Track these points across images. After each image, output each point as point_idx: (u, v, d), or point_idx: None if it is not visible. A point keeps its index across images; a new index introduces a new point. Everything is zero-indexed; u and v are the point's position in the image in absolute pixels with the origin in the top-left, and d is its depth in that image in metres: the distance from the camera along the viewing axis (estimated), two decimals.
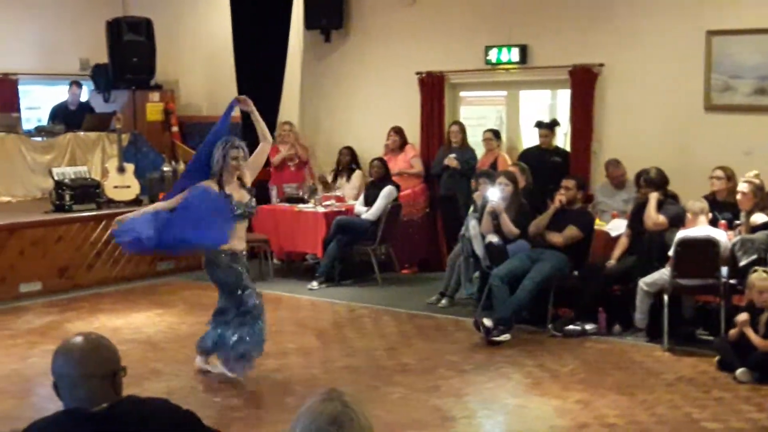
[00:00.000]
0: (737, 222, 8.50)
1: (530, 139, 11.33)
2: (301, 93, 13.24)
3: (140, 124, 13.73)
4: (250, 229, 11.70)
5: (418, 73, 11.95)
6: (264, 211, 11.46)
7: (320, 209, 11.18)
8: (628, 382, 7.23)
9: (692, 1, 10.08)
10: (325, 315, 9.67)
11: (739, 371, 7.21)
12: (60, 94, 14.13)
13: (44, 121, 13.84)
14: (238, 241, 7.22)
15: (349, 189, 11.85)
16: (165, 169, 12.42)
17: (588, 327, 8.60)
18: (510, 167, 10.07)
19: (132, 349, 8.23)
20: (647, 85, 10.38)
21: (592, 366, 7.68)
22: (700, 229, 8.17)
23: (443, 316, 9.51)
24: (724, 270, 8.06)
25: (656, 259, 8.42)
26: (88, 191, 11.49)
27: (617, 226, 9.28)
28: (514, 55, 11.23)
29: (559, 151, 10.87)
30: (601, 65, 10.61)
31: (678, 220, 8.47)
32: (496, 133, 11.14)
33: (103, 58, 13.95)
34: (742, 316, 7.37)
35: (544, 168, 10.27)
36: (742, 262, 7.95)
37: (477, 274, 9.60)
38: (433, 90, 11.91)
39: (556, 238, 8.86)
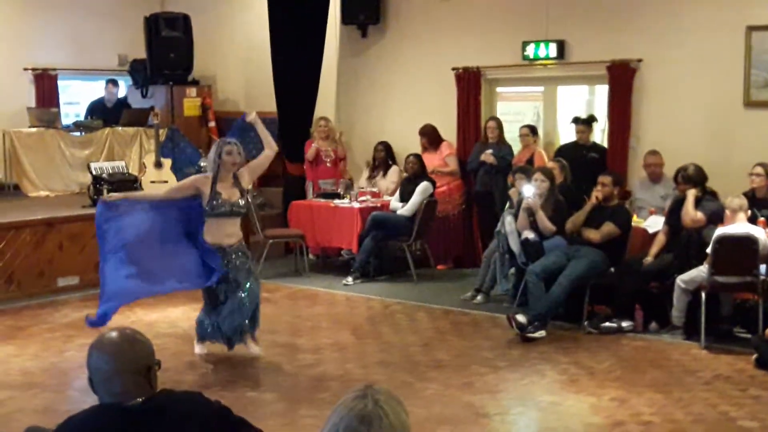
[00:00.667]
0: None
1: (567, 134, 11.26)
2: (337, 88, 13.26)
3: (178, 120, 13.80)
4: (285, 225, 11.82)
5: (454, 69, 11.92)
6: (300, 207, 11.51)
7: (356, 205, 11.20)
8: (665, 380, 7.18)
9: None
10: (360, 311, 9.69)
11: None
12: (98, 89, 14.26)
13: (82, 116, 13.97)
14: (226, 237, 7.49)
15: (386, 184, 11.85)
16: (202, 164, 12.47)
17: (624, 324, 8.55)
18: (550, 164, 10.03)
19: (168, 342, 8.30)
20: (686, 80, 10.29)
21: (628, 363, 7.64)
22: (738, 226, 8.09)
23: (478, 312, 9.49)
24: (763, 267, 8.00)
25: (694, 257, 8.36)
26: (125, 186, 11.54)
27: (655, 223, 9.22)
28: (552, 50, 11.18)
29: (596, 147, 10.81)
30: (639, 61, 10.53)
31: (716, 217, 8.40)
32: (532, 129, 11.10)
33: (141, 53, 14.05)
34: None
35: (581, 164, 10.21)
36: None
37: (512, 270, 9.58)
38: (470, 85, 11.87)
39: (592, 234, 8.81)
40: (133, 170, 12.44)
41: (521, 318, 8.34)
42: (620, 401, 6.69)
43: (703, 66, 10.15)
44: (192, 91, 14.25)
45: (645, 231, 9.23)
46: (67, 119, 13.92)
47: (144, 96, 14.22)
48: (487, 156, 11.05)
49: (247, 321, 7.64)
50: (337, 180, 12.05)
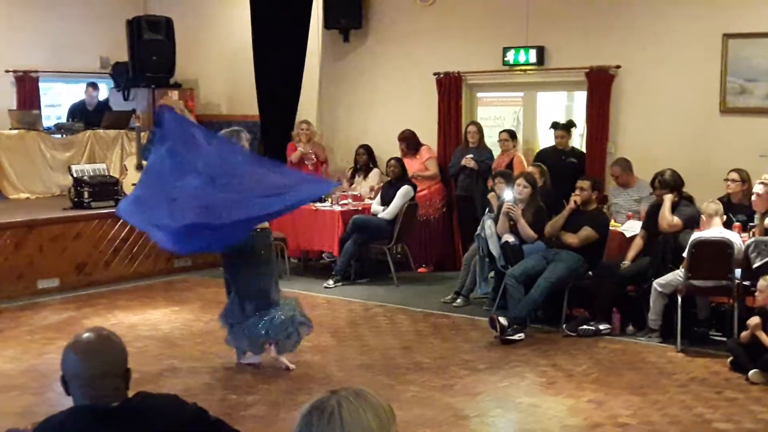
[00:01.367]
0: (751, 224, 8.51)
1: (546, 139, 11.34)
2: (319, 92, 13.30)
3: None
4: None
5: (435, 74, 11.98)
6: None
7: (337, 208, 11.24)
8: (641, 382, 7.26)
9: (709, 4, 10.09)
10: (341, 313, 9.73)
11: (752, 372, 7.22)
12: (80, 92, 14.24)
13: (64, 119, 13.95)
14: None
15: (367, 187, 11.89)
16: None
17: (602, 327, 8.63)
18: (530, 168, 10.10)
19: (148, 345, 8.32)
20: (663, 87, 10.39)
21: (606, 366, 7.71)
22: (714, 230, 8.18)
23: (458, 315, 9.54)
24: (738, 272, 8.08)
25: (670, 261, 8.45)
26: (106, 188, 11.57)
27: (632, 227, 9.30)
28: (532, 56, 11.26)
29: (574, 152, 10.89)
30: (618, 67, 10.63)
31: (692, 222, 8.49)
32: (512, 134, 11.16)
33: (123, 56, 14.05)
34: (754, 320, 7.39)
35: (560, 169, 10.29)
36: (756, 264, 7.95)
37: (492, 273, 9.65)
38: (451, 90, 11.94)
39: (571, 238, 8.89)
40: (114, 173, 12.44)
41: (502, 321, 8.41)
42: (597, 403, 6.76)
43: (680, 73, 10.25)
44: (174, 94, 14.26)
45: (622, 235, 9.30)
46: (48, 121, 13.89)
47: (126, 99, 14.22)
48: (468, 160, 11.12)
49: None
50: None
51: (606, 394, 6.95)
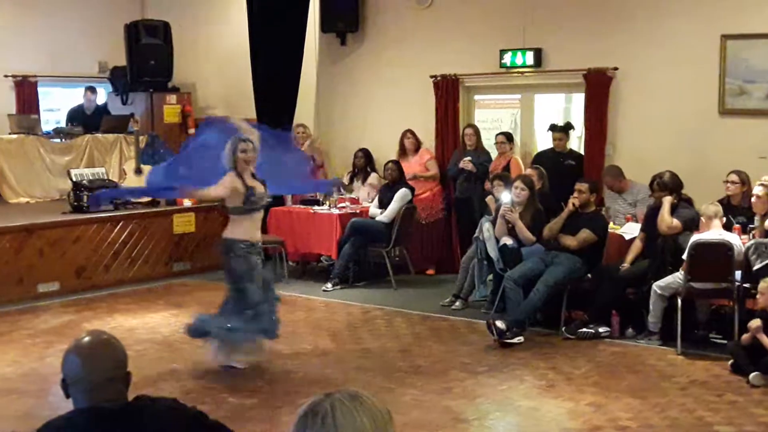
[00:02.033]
0: (751, 226, 8.51)
1: (544, 142, 11.34)
2: (316, 96, 13.30)
3: (158, 126, 13.82)
4: (264, 231, 11.83)
5: (432, 76, 11.99)
6: (279, 213, 11.53)
7: (335, 211, 11.24)
8: (641, 385, 7.25)
9: (707, 5, 10.09)
10: (340, 316, 9.72)
11: (752, 375, 7.21)
12: (78, 96, 14.25)
13: (63, 123, 13.96)
14: (257, 232, 7.68)
15: (365, 191, 11.89)
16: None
17: (601, 330, 8.62)
18: (528, 170, 10.10)
19: (148, 349, 8.32)
20: (661, 88, 10.39)
21: (605, 369, 7.71)
22: (714, 232, 8.18)
23: (457, 318, 9.54)
24: (738, 274, 8.07)
25: (670, 263, 8.43)
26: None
27: (631, 230, 9.30)
28: (529, 58, 11.26)
29: (573, 154, 10.89)
30: (616, 69, 10.63)
31: (692, 224, 8.49)
32: (508, 136, 11.14)
33: (121, 60, 14.05)
34: (755, 323, 7.38)
35: (558, 171, 10.29)
36: (756, 266, 7.95)
37: (491, 276, 9.64)
38: (448, 93, 11.95)
39: (569, 241, 8.89)
40: (113, 177, 12.45)
41: (501, 324, 8.40)
42: (597, 406, 6.76)
43: (679, 74, 10.25)
44: (172, 98, 14.27)
45: (621, 237, 9.30)
46: (47, 126, 13.89)
47: (124, 103, 14.21)
48: (466, 163, 11.12)
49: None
50: None
51: (606, 397, 6.94)
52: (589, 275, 8.91)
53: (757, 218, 8.45)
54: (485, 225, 9.49)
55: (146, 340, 8.64)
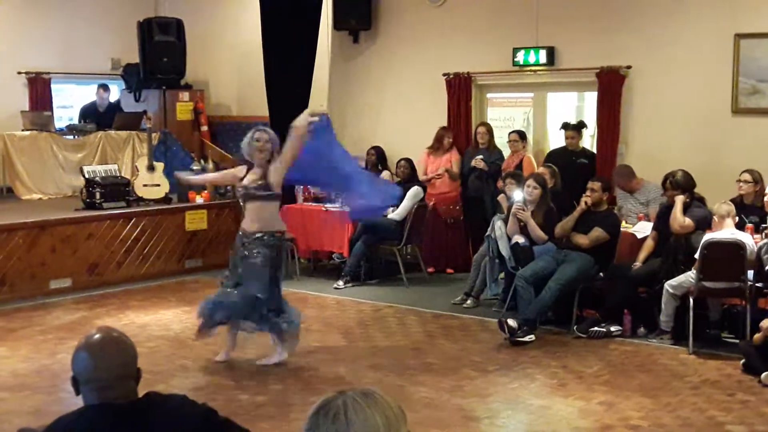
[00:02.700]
0: (764, 225, 8.49)
1: (557, 140, 11.32)
2: (329, 94, 13.30)
3: (170, 124, 13.85)
4: None
5: (445, 74, 11.98)
6: (291, 210, 11.53)
7: (347, 208, 11.21)
8: (653, 384, 7.24)
9: (721, 4, 10.06)
10: (351, 314, 9.73)
11: (765, 375, 7.18)
12: (91, 93, 14.30)
13: (76, 120, 14.00)
14: (249, 222, 7.71)
15: None
16: (194, 168, 12.51)
17: (613, 329, 8.61)
18: (540, 169, 10.09)
19: (160, 345, 8.35)
20: (674, 87, 10.36)
21: (617, 368, 7.70)
22: (726, 232, 8.16)
23: (468, 316, 9.54)
24: (750, 273, 8.04)
25: (682, 262, 8.41)
26: (118, 189, 11.60)
27: (643, 228, 9.28)
28: (542, 56, 11.25)
29: (585, 152, 10.87)
30: (629, 67, 10.61)
31: (704, 223, 8.46)
32: (521, 135, 11.14)
33: (134, 58, 14.09)
34: (767, 322, 7.36)
35: (570, 169, 10.27)
36: None
37: (502, 274, 9.64)
38: (461, 91, 11.94)
39: (581, 239, 8.88)
40: (126, 174, 12.48)
41: (512, 322, 8.40)
42: (608, 405, 6.75)
43: (692, 73, 10.23)
44: (185, 95, 14.30)
45: (633, 236, 9.28)
46: (60, 123, 13.95)
47: (137, 100, 14.25)
48: (478, 161, 11.11)
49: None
50: None
51: (617, 396, 6.93)
52: (601, 274, 8.89)
53: None
54: (497, 223, 9.48)
55: (158, 337, 8.66)
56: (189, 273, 11.71)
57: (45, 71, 14.06)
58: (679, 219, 8.51)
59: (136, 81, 14.22)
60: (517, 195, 9.18)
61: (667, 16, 10.39)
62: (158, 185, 12.00)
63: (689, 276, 8.19)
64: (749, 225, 8.54)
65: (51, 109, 13.98)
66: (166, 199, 11.91)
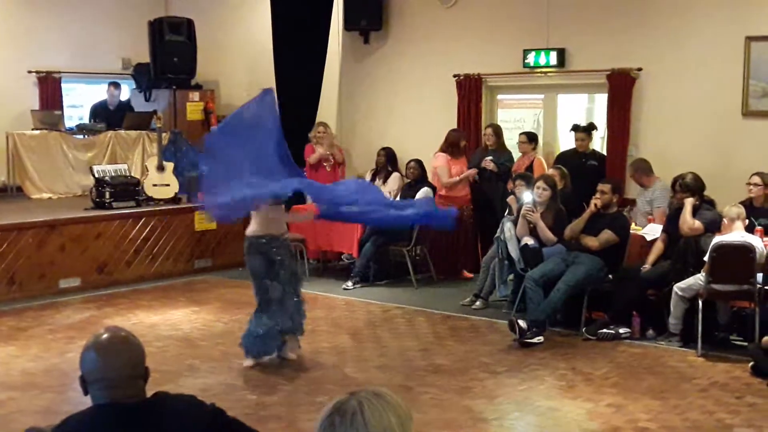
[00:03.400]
0: None
1: (567, 142, 11.31)
2: (339, 94, 13.32)
3: (180, 123, 13.86)
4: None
5: (455, 76, 11.98)
6: (301, 211, 11.52)
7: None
8: (661, 386, 7.23)
9: (731, 6, 10.04)
10: (360, 315, 9.74)
11: None
12: (101, 92, 14.33)
13: (86, 119, 14.04)
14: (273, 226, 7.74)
15: (386, 191, 11.83)
16: (204, 167, 12.50)
17: (622, 331, 8.59)
18: (550, 171, 10.07)
19: (169, 345, 8.36)
20: (685, 90, 10.35)
21: (625, 370, 7.68)
22: (736, 234, 8.14)
23: (477, 317, 9.53)
24: (760, 276, 8.02)
25: (691, 265, 8.40)
26: (127, 189, 11.63)
27: (653, 231, 9.27)
28: (552, 58, 11.24)
29: (595, 154, 10.86)
30: (639, 70, 10.60)
31: (714, 226, 8.45)
32: (530, 137, 11.09)
33: (144, 57, 14.12)
34: None
35: (581, 171, 10.25)
36: None
37: (511, 276, 9.63)
38: (471, 92, 11.94)
39: (591, 241, 8.87)
40: (136, 173, 12.51)
41: (521, 324, 8.39)
42: (617, 407, 6.74)
43: (702, 76, 10.21)
44: (195, 95, 14.31)
45: (643, 238, 9.27)
46: (70, 122, 13.99)
47: (147, 100, 14.27)
48: (487, 162, 11.09)
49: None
50: None
51: (625, 398, 6.92)
52: (610, 276, 8.88)
53: None
54: (506, 225, 9.47)
55: (167, 337, 8.67)
56: (198, 273, 11.73)
57: (55, 70, 14.10)
58: (689, 221, 8.50)
59: (146, 81, 14.25)
60: (527, 197, 9.18)
61: (678, 19, 10.38)
62: (168, 185, 12.02)
63: (698, 278, 8.18)
64: (759, 228, 8.52)
65: (61, 108, 14.03)
66: (175, 199, 11.94)
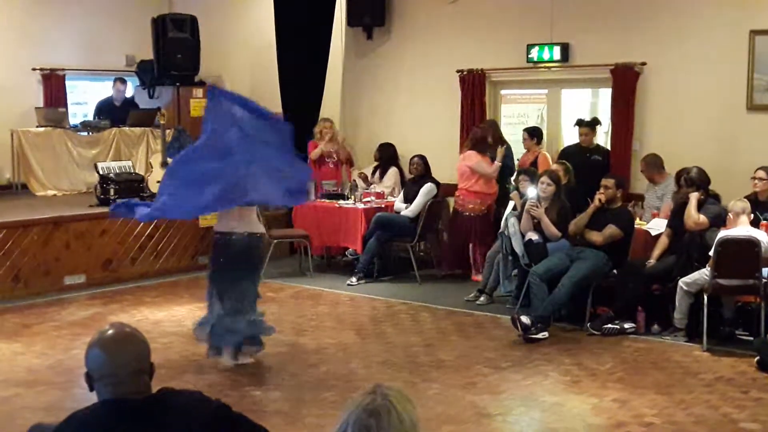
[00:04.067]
0: None
1: (571, 137, 11.31)
2: (342, 90, 13.32)
3: (184, 120, 13.86)
4: (290, 225, 11.88)
5: (459, 71, 11.97)
6: (304, 207, 11.54)
7: (360, 205, 11.24)
8: (666, 381, 7.22)
9: (736, 0, 10.02)
10: (364, 311, 9.73)
11: None
12: (106, 89, 14.33)
13: (90, 116, 14.04)
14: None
15: (382, 186, 11.80)
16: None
17: (626, 326, 8.59)
18: (554, 166, 10.06)
19: (173, 342, 8.36)
20: (689, 84, 10.34)
21: (630, 365, 7.68)
22: (741, 229, 8.13)
23: (481, 313, 9.53)
24: (765, 270, 8.01)
25: (696, 259, 8.39)
26: (132, 186, 11.64)
27: (657, 225, 9.26)
28: (556, 53, 11.23)
29: (599, 149, 10.85)
30: (643, 64, 10.58)
31: (719, 220, 8.44)
32: (530, 133, 11.04)
33: (148, 54, 14.12)
34: None
35: (585, 167, 10.24)
36: None
37: (515, 271, 9.62)
38: (474, 87, 11.93)
39: (595, 236, 8.86)
40: (140, 170, 12.52)
41: (525, 319, 8.39)
42: (622, 402, 6.73)
43: (707, 70, 10.20)
44: (199, 91, 14.28)
45: (648, 233, 9.26)
46: (74, 119, 14.00)
47: (151, 96, 14.28)
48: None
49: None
50: (338, 181, 12.08)
51: (630, 394, 6.92)
52: (614, 271, 8.87)
53: None
54: (511, 220, 9.46)
55: (172, 333, 8.68)
56: (202, 269, 11.61)
57: (59, 68, 14.10)
58: (694, 216, 8.49)
59: (150, 77, 14.25)
60: (531, 192, 9.17)
61: (682, 13, 10.37)
62: None
63: (703, 273, 8.16)
64: (764, 222, 8.51)
65: (65, 105, 14.03)
66: None
